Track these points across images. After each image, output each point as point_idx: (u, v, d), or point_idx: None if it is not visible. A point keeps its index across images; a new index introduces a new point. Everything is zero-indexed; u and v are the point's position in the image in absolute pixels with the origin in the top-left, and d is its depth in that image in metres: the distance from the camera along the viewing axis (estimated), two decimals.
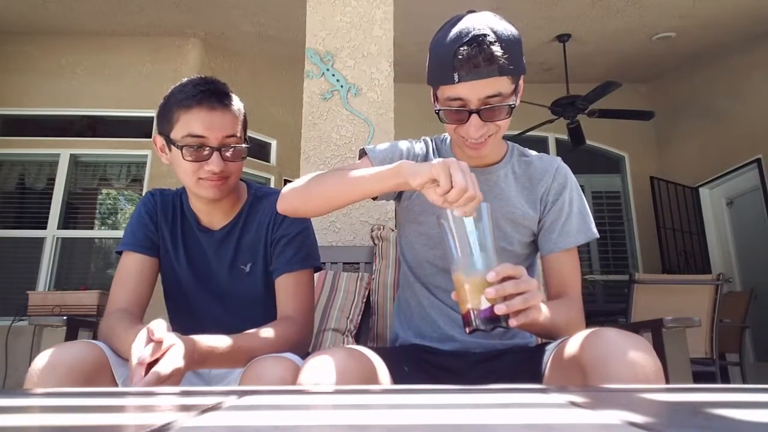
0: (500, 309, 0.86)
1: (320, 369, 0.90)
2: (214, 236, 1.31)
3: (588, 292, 4.72)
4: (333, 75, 2.43)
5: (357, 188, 1.07)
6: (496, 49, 1.03)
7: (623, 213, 6.09)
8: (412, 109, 4.21)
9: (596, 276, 5.41)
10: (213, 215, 1.31)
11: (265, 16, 4.72)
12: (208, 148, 1.19)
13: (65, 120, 5.05)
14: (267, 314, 1.25)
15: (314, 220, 1.38)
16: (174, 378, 0.92)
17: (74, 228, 4.89)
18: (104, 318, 1.21)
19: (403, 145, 1.29)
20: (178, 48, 5.05)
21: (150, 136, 4.42)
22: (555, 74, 5.40)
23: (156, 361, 0.92)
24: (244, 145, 1.24)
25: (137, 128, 4.93)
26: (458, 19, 1.11)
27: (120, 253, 1.30)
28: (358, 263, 2.02)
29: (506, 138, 1.29)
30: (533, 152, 1.32)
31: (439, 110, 1.13)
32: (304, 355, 1.12)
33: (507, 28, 1.09)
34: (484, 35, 1.04)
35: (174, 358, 0.92)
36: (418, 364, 1.19)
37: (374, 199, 1.25)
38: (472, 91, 1.06)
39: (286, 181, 5.17)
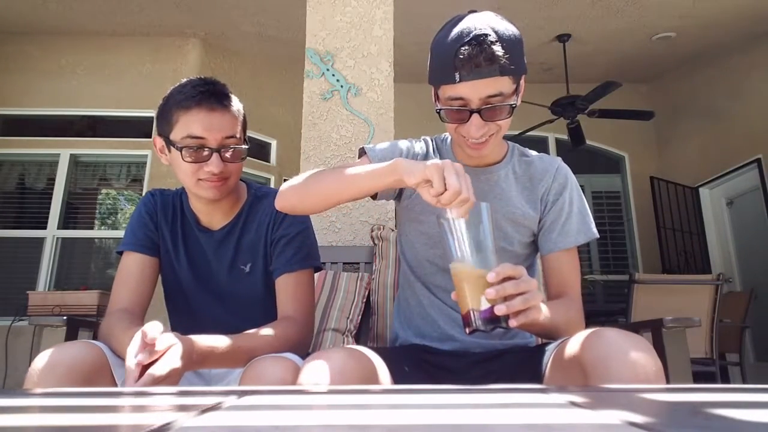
0: (500, 309, 0.86)
1: (320, 369, 0.90)
2: (214, 236, 1.31)
3: (588, 292, 4.72)
4: (333, 75, 2.43)
5: (353, 185, 1.07)
6: (497, 49, 1.04)
7: (623, 213, 6.09)
8: (412, 109, 4.21)
9: (596, 276, 5.41)
10: (213, 215, 1.31)
11: (265, 16, 4.72)
12: (207, 149, 1.19)
13: (65, 120, 5.05)
14: (267, 314, 1.25)
15: (314, 220, 1.38)
16: (172, 378, 0.91)
17: (74, 228, 4.89)
18: (105, 318, 1.21)
19: (403, 144, 1.29)
20: (178, 48, 5.05)
21: (150, 136, 4.41)
22: (555, 74, 5.40)
23: (154, 362, 0.92)
24: (243, 146, 1.24)
25: (137, 128, 4.93)
26: (459, 18, 1.11)
27: (121, 253, 1.30)
28: (358, 263, 2.02)
29: (506, 138, 1.29)
30: (534, 152, 1.32)
31: (440, 110, 1.14)
32: (305, 355, 1.12)
33: (508, 28, 1.09)
34: (486, 35, 1.04)
35: (171, 358, 0.92)
36: (418, 364, 1.19)
37: (374, 198, 1.25)
38: (473, 90, 1.06)
39: (285, 181, 5.17)
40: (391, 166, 1.00)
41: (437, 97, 1.15)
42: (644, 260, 5.77)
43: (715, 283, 3.19)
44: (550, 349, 1.08)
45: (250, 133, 1.33)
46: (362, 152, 1.27)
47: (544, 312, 0.97)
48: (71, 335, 1.48)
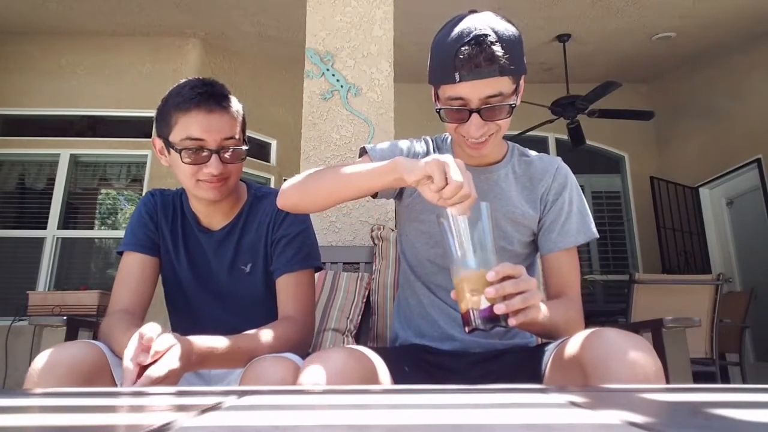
0: (500, 308, 0.86)
1: (320, 369, 0.90)
2: (214, 236, 1.31)
3: (588, 292, 4.72)
4: (333, 75, 2.43)
5: (353, 184, 1.07)
6: (497, 49, 1.04)
7: (623, 213, 6.09)
8: (412, 109, 4.21)
9: (596, 276, 5.41)
10: (213, 216, 1.31)
11: (265, 16, 4.72)
12: (206, 151, 1.18)
13: (65, 120, 5.05)
14: (267, 314, 1.25)
15: (314, 220, 1.38)
16: (170, 379, 0.91)
17: (74, 228, 4.89)
18: (105, 318, 1.21)
19: (404, 144, 1.29)
20: (178, 48, 5.05)
21: (150, 136, 4.41)
22: (555, 74, 5.40)
23: (153, 363, 0.92)
24: (243, 147, 1.24)
25: (137, 128, 4.93)
26: (460, 18, 1.11)
27: (121, 253, 1.30)
28: (358, 263, 2.02)
29: (506, 138, 1.29)
30: (533, 152, 1.33)
31: (440, 109, 1.14)
32: (305, 355, 1.12)
33: (508, 28, 1.09)
34: (486, 35, 1.04)
35: (169, 359, 0.92)
36: (418, 363, 1.19)
37: (374, 197, 1.25)
38: (473, 90, 1.06)
39: (286, 181, 5.17)
40: (391, 164, 1.00)
41: (437, 97, 1.16)
42: (644, 260, 5.77)
43: (715, 283, 3.19)
44: (550, 349, 1.08)
45: (250, 133, 1.33)
46: (363, 152, 1.27)
47: (543, 311, 0.97)
48: (71, 335, 1.48)
